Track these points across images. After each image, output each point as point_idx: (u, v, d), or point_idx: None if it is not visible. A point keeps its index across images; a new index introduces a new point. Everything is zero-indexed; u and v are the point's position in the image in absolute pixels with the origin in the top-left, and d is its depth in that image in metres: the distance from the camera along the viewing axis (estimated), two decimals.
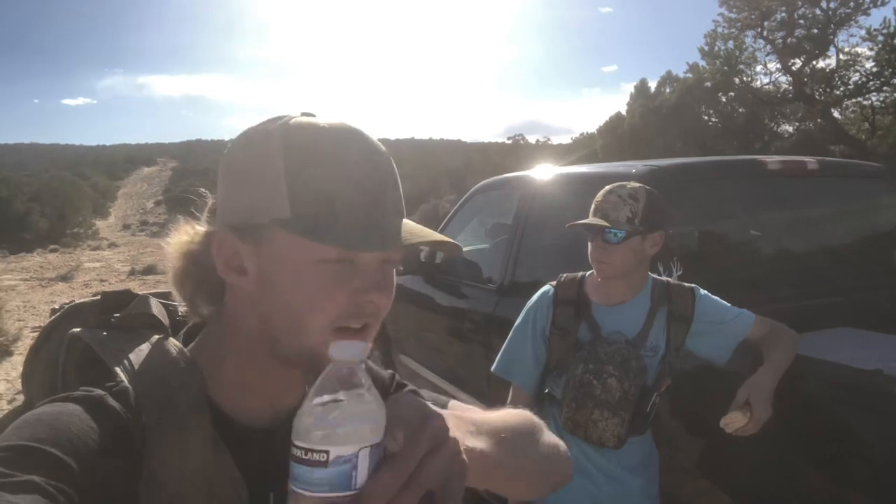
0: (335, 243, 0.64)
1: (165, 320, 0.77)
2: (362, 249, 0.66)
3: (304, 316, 0.66)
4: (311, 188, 0.65)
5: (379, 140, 0.72)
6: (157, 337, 0.72)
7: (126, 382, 0.65)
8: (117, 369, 0.66)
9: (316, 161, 0.66)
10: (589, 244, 1.89)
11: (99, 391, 0.63)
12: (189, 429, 0.65)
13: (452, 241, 0.71)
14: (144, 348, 0.70)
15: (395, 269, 0.73)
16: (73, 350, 0.70)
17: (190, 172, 56.24)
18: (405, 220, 0.70)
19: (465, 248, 4.21)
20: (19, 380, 0.78)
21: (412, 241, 0.66)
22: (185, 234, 0.74)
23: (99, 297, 0.77)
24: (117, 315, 0.74)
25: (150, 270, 15.12)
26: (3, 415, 0.68)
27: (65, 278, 15.03)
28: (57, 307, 0.78)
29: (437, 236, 0.69)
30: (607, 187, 1.90)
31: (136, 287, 12.71)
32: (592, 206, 1.89)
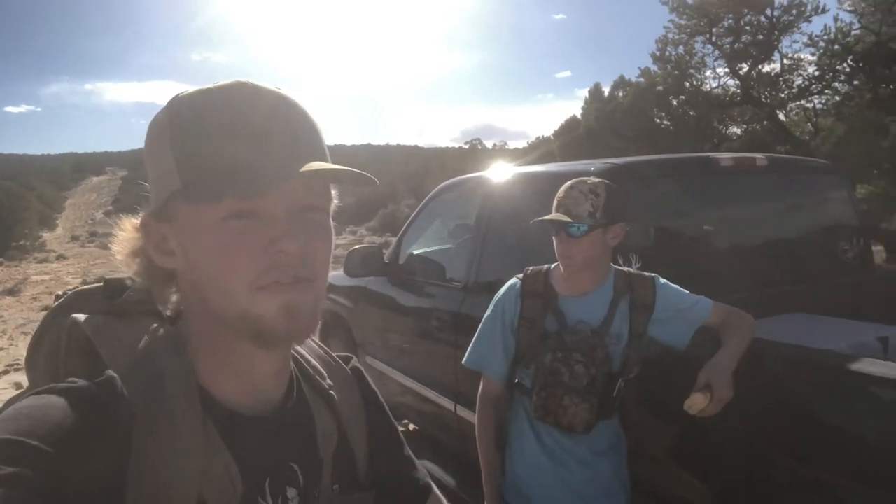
0: (214, 197, 0.62)
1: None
2: (244, 194, 0.62)
3: (223, 280, 0.65)
4: (192, 152, 0.64)
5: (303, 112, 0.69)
6: (152, 325, 0.71)
7: (114, 371, 0.64)
8: (107, 356, 0.66)
9: (196, 124, 0.65)
10: (553, 239, 1.94)
11: (83, 382, 0.63)
12: (179, 416, 0.64)
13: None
14: (138, 335, 0.69)
15: (323, 216, 0.69)
16: (74, 336, 0.69)
17: (140, 181, 54.81)
18: (320, 163, 0.65)
19: (428, 249, 4.24)
20: None
21: (304, 171, 0.62)
22: (130, 231, 0.73)
23: (102, 282, 0.77)
24: (117, 301, 0.73)
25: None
26: (8, 399, 0.67)
27: (11, 292, 14.52)
28: (60, 293, 0.77)
29: (338, 166, 0.65)
30: (568, 183, 1.94)
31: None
32: (555, 203, 1.94)
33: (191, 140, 0.65)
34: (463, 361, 2.14)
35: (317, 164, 0.64)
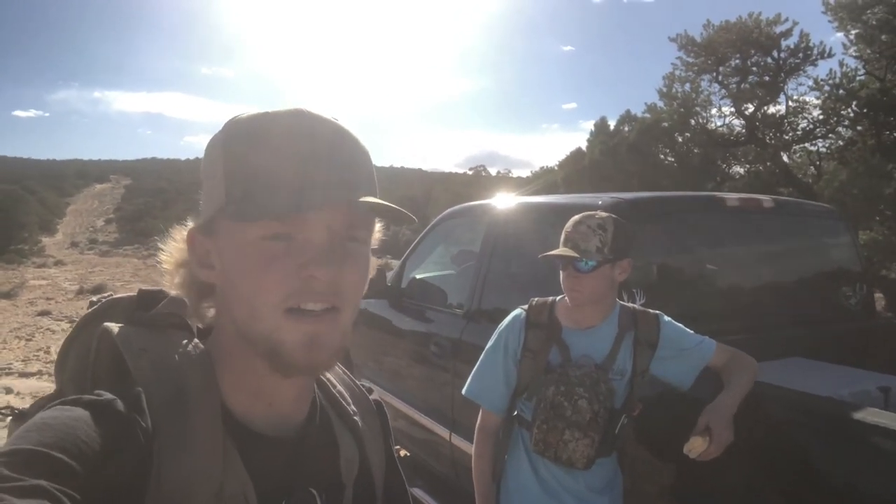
0: (253, 216, 0.63)
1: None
2: (280, 214, 0.63)
3: (252, 299, 0.66)
4: (239, 172, 0.66)
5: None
6: (181, 339, 0.72)
7: (139, 385, 0.65)
8: (134, 369, 0.67)
9: (246, 145, 0.66)
10: (561, 273, 1.94)
11: (108, 396, 0.63)
12: (200, 435, 0.65)
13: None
14: (166, 349, 0.70)
15: (363, 248, 0.70)
16: (104, 344, 0.70)
17: (144, 190, 54.97)
18: (366, 196, 0.66)
19: (431, 274, 4.24)
20: None
21: (342, 200, 0.64)
22: (179, 242, 0.75)
23: (136, 293, 0.78)
24: (149, 313, 0.74)
25: (99, 289, 14.64)
26: (34, 401, 0.67)
27: (8, 295, 14.47)
28: (95, 300, 0.78)
29: (380, 202, 0.66)
30: (576, 218, 1.95)
31: (86, 306, 12.28)
32: (563, 237, 1.94)
33: (239, 159, 0.66)
34: (463, 392, 2.12)
35: (364, 197, 0.65)
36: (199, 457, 0.64)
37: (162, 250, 0.75)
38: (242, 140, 0.67)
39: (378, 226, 0.77)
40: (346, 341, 0.71)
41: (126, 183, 65.28)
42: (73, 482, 0.54)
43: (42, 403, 0.65)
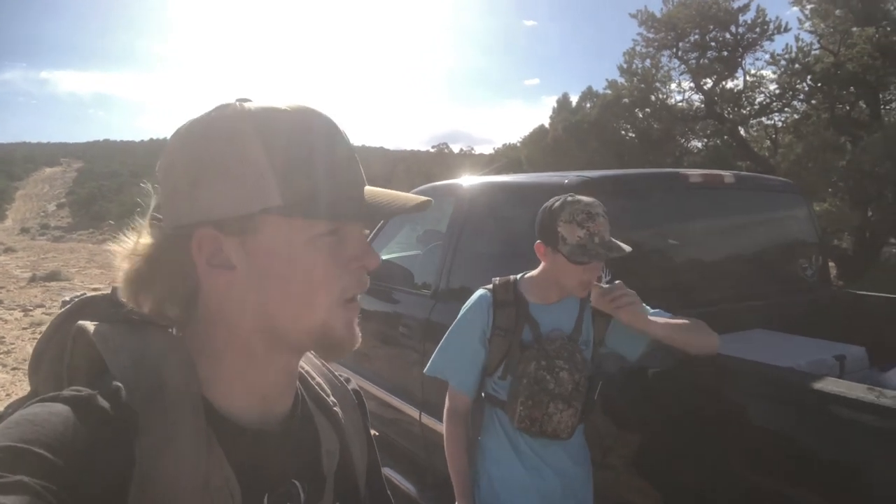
0: (330, 217, 0.69)
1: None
2: (354, 219, 0.72)
3: (311, 294, 0.69)
4: (294, 171, 0.67)
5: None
6: (159, 335, 0.71)
7: (119, 380, 0.64)
8: (113, 366, 0.66)
9: (293, 143, 0.68)
10: (574, 265, 1.85)
11: (88, 391, 0.62)
12: (182, 428, 0.64)
13: (423, 197, 0.75)
14: (144, 344, 0.69)
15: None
16: (79, 343, 0.69)
17: (97, 174, 53.44)
18: (368, 187, 0.74)
19: (397, 255, 4.23)
20: None
21: (389, 209, 0.73)
22: (145, 235, 0.73)
23: (110, 290, 0.76)
24: (124, 310, 0.73)
25: (53, 276, 14.21)
26: (6, 405, 0.65)
27: None
28: (67, 299, 0.77)
29: (408, 197, 0.75)
30: (591, 210, 1.87)
31: (40, 294, 11.93)
32: (582, 231, 1.84)
33: (290, 160, 0.67)
34: (425, 370, 2.10)
35: (393, 198, 0.74)
36: (182, 451, 0.63)
37: (121, 239, 0.73)
38: (286, 137, 0.68)
39: None
40: None
41: (78, 166, 63.27)
42: (55, 478, 0.54)
43: (17, 405, 0.63)
